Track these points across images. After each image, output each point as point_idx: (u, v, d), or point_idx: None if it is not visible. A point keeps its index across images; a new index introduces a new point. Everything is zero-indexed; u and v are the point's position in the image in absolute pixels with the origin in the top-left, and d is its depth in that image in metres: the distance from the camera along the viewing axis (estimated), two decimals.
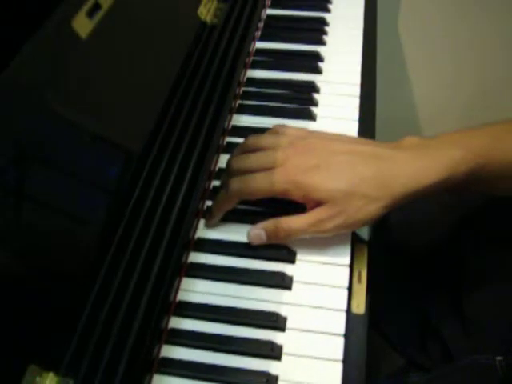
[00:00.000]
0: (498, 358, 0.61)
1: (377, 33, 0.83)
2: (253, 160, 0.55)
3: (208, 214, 0.57)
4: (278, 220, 0.54)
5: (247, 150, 0.57)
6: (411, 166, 0.52)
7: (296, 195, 0.53)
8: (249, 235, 0.55)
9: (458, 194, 0.67)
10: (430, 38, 1.15)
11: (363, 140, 0.57)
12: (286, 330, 0.50)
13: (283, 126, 0.59)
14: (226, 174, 0.57)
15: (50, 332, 0.36)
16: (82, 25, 0.42)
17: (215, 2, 0.62)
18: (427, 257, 0.70)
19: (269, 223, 0.54)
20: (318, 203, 0.52)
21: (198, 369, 0.48)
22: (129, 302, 0.42)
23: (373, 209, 0.52)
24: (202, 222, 0.57)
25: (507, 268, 0.65)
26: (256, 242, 0.54)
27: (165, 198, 0.51)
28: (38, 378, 0.34)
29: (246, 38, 0.63)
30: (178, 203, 0.51)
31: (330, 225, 0.52)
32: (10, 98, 0.38)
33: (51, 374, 0.35)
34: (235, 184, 0.54)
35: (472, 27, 1.12)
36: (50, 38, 0.39)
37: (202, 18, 0.60)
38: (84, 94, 0.46)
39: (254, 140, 0.58)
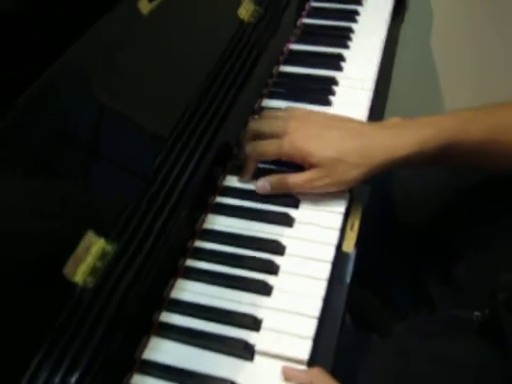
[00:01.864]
0: (476, 313, 0.71)
1: (402, 39, 0.97)
2: (267, 125, 0.70)
3: (241, 173, 0.71)
4: (280, 175, 0.68)
5: (265, 117, 0.72)
6: (388, 142, 0.65)
7: (297, 158, 0.67)
8: (256, 185, 0.68)
9: (452, 170, 0.78)
10: (459, 45, 1.27)
11: (353, 119, 0.71)
12: (285, 255, 0.63)
13: (295, 107, 0.74)
14: (246, 134, 0.71)
15: (105, 206, 0.52)
16: (145, 6, 0.58)
17: (253, 5, 0.77)
18: (422, 228, 0.81)
19: (273, 177, 0.68)
20: (313, 166, 0.66)
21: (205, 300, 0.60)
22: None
23: (355, 173, 0.65)
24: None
25: (492, 239, 0.76)
26: (261, 191, 0.68)
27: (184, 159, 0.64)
28: (92, 240, 0.49)
29: (275, 34, 0.78)
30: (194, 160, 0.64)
31: (320, 183, 0.66)
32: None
33: (102, 239, 0.50)
34: (250, 147, 0.69)
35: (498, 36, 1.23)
36: (121, 12, 0.56)
37: (241, 17, 0.76)
38: (139, 65, 0.62)
39: (271, 112, 0.73)
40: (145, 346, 0.56)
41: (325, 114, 0.72)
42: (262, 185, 0.67)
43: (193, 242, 0.64)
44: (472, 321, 0.71)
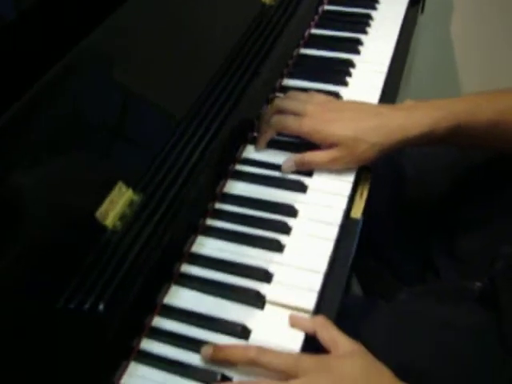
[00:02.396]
0: (478, 283, 0.76)
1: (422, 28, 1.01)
2: (289, 103, 0.75)
3: (256, 141, 0.77)
4: (303, 155, 0.73)
5: (289, 97, 0.77)
6: (403, 121, 0.70)
7: (315, 138, 0.72)
8: (282, 166, 0.74)
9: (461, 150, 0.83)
10: (478, 35, 1.30)
11: (369, 103, 0.77)
12: (297, 217, 0.68)
13: (316, 93, 0.79)
14: (270, 108, 0.76)
15: (134, 162, 0.58)
16: None
17: None
18: (431, 203, 0.86)
19: (297, 157, 0.73)
20: (332, 145, 0.71)
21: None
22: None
23: (373, 151, 0.70)
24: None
25: (493, 214, 0.80)
26: (287, 170, 0.73)
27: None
28: (123, 190, 0.55)
29: (293, 17, 0.84)
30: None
31: (341, 162, 0.71)
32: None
33: (131, 190, 0.56)
34: (275, 119, 0.75)
35: None
36: None
37: (263, 0, 0.81)
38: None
39: (295, 93, 0.78)
40: (166, 292, 0.62)
41: (342, 101, 0.78)
42: (288, 166, 0.73)
43: (213, 204, 0.70)
44: (472, 290, 0.75)
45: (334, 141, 0.70)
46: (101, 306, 0.50)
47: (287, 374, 0.54)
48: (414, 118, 0.70)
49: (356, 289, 0.94)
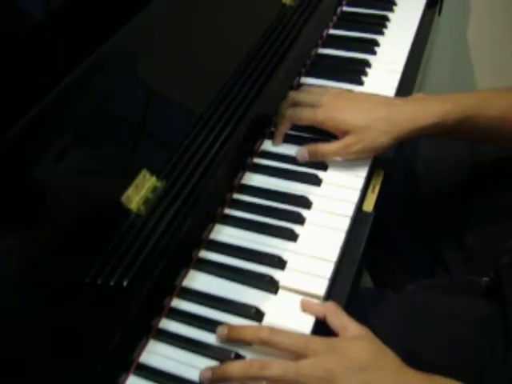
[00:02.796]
0: (485, 278, 0.78)
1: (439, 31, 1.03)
2: (304, 95, 0.79)
3: (273, 135, 0.80)
4: (316, 144, 0.76)
5: (303, 90, 0.81)
6: (413, 112, 0.73)
7: (329, 126, 0.76)
8: (296, 154, 0.77)
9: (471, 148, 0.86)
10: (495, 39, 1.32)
11: (381, 95, 0.80)
12: (311, 209, 0.72)
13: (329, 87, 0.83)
14: (285, 102, 0.80)
15: (158, 151, 0.61)
16: None
17: None
18: (441, 199, 0.89)
19: (310, 146, 0.76)
20: (345, 133, 0.74)
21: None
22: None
23: (383, 140, 0.73)
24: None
25: (502, 211, 0.83)
26: (301, 160, 0.77)
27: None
28: (146, 177, 0.59)
29: (312, 17, 0.87)
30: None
31: (353, 149, 0.74)
32: None
33: (154, 177, 0.60)
34: (290, 111, 0.78)
35: None
36: None
37: (283, 1, 0.85)
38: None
39: (310, 87, 0.82)
40: (184, 276, 0.65)
41: (355, 92, 0.81)
42: (301, 154, 0.76)
43: (231, 195, 0.73)
44: (479, 284, 0.77)
45: (346, 128, 0.73)
46: (125, 283, 0.53)
47: (297, 354, 0.57)
48: (424, 109, 0.73)
49: (366, 281, 0.97)
